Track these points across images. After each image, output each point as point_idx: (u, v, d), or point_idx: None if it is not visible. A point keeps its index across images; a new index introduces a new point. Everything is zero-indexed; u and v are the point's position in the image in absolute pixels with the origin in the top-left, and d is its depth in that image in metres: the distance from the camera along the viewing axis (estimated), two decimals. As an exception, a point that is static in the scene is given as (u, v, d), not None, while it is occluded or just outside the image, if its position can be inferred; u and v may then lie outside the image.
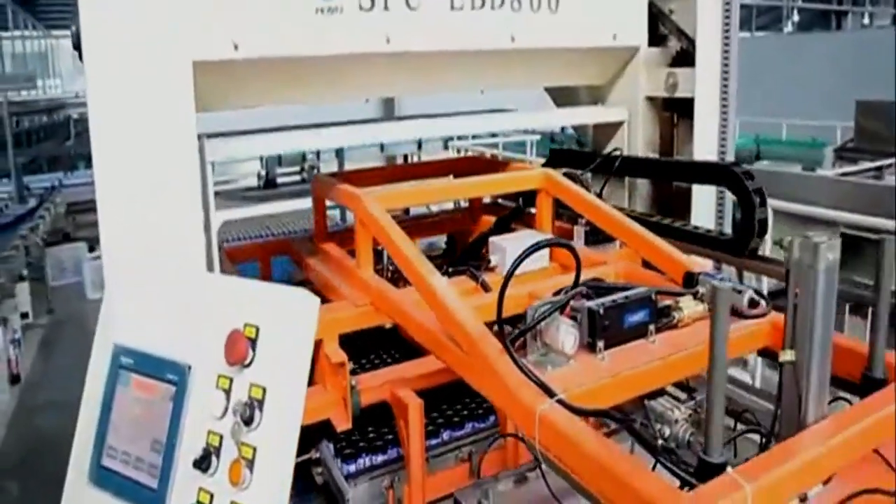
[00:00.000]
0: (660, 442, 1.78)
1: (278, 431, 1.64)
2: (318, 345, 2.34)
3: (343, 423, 2.18)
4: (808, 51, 19.12)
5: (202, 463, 1.65)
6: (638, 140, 3.54)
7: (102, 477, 1.85)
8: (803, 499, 1.59)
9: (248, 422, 1.63)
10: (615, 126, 3.61)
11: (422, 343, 2.33)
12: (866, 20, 31.03)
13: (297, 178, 18.66)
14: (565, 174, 3.22)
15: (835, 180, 6.26)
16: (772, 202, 5.64)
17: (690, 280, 2.26)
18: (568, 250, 2.21)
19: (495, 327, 1.95)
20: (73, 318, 10.12)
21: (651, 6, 3.51)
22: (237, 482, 1.62)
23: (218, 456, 1.67)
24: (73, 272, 11.33)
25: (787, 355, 1.68)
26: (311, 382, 2.32)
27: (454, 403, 2.75)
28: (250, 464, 1.62)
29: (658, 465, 1.64)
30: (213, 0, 2.49)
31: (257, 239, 4.59)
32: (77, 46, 2.34)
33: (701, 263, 2.49)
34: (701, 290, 2.16)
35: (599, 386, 1.81)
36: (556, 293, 2.06)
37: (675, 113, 3.51)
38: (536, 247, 2.10)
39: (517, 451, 2.54)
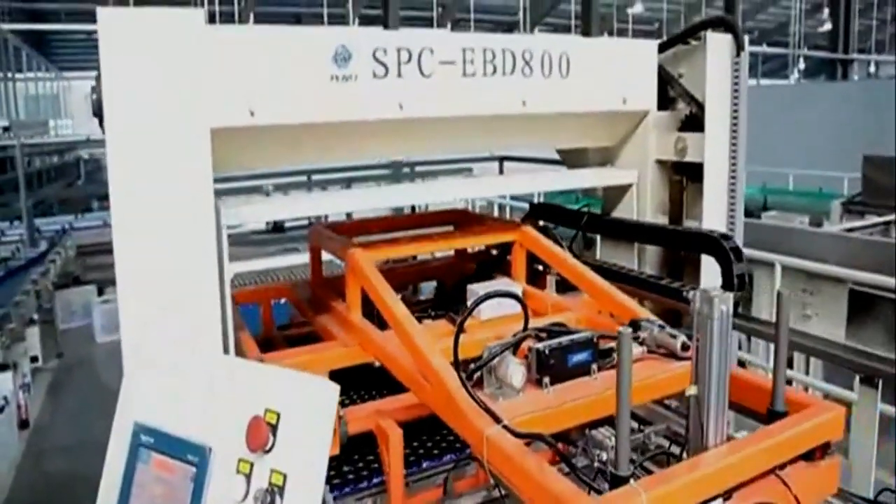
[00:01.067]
0: (596, 464, 2.14)
1: (299, 519, 1.64)
2: None
3: (331, 450, 2.29)
4: (814, 100, 19.22)
5: (223, 550, 1.66)
6: (647, 202, 3.57)
7: (121, 556, 1.85)
8: None
9: (268, 509, 1.63)
10: (625, 188, 3.64)
11: (399, 378, 2.63)
12: (872, 68, 31.23)
13: (305, 222, 18.75)
14: (539, 228, 3.57)
15: (844, 237, 6.27)
16: (780, 258, 5.72)
17: (635, 326, 2.52)
18: (515, 300, 2.54)
19: (471, 364, 2.25)
20: (82, 361, 10.16)
21: (660, 70, 3.55)
22: (259, 569, 1.62)
23: None
24: (83, 315, 11.40)
25: (691, 390, 1.98)
26: None
27: (434, 436, 2.99)
28: (271, 550, 1.62)
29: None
30: (230, 68, 2.53)
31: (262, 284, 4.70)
32: (97, 113, 2.38)
33: (646, 312, 2.70)
34: (642, 334, 2.46)
35: (542, 415, 2.09)
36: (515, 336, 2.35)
37: (684, 176, 3.52)
38: (485, 297, 2.52)
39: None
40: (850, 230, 7.31)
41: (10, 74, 19.25)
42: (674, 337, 2.39)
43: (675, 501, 1.79)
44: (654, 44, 3.58)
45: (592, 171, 3.85)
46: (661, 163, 3.58)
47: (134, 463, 1.87)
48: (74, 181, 25.67)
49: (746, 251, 3.48)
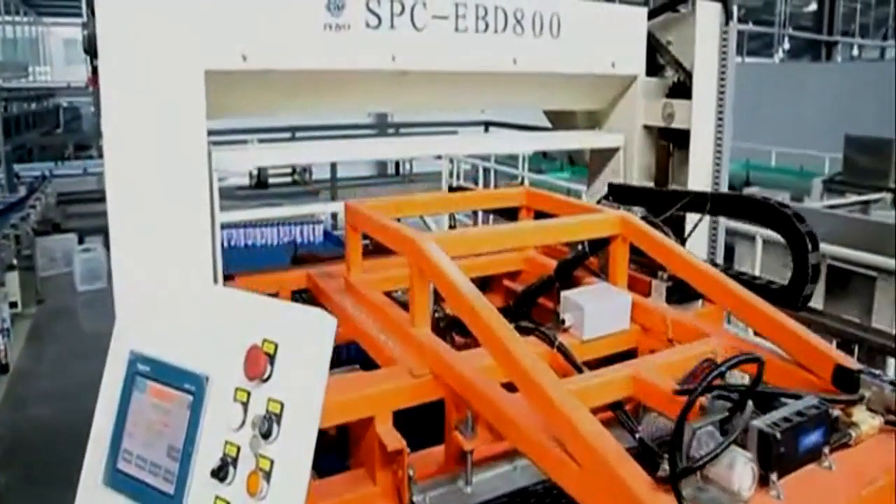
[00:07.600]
0: None
1: (295, 445, 1.66)
2: (368, 423, 2.11)
3: None
4: (798, 80, 19.32)
5: (219, 472, 1.68)
6: (633, 167, 3.61)
7: (117, 480, 1.87)
8: None
9: (266, 435, 1.66)
10: (612, 151, 3.68)
11: (506, 437, 1.97)
12: (855, 51, 31.34)
13: (289, 179, 18.71)
14: (643, 218, 2.86)
15: (825, 213, 6.35)
16: (762, 231, 5.75)
17: (844, 378, 1.88)
18: (756, 364, 1.70)
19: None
20: (63, 309, 10.13)
21: (649, 37, 3.57)
22: (255, 493, 1.65)
23: (235, 466, 1.70)
24: (64, 263, 11.32)
25: None
26: (352, 464, 2.27)
27: None
28: (267, 476, 1.65)
29: None
30: (223, 12, 2.53)
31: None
32: (87, 50, 2.38)
33: (846, 356, 2.01)
34: (866, 394, 1.82)
35: None
36: (704, 387, 1.59)
37: (671, 143, 3.57)
38: (718, 371, 1.62)
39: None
40: (831, 207, 7.41)
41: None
42: None
43: None
44: (643, 10, 3.60)
45: (580, 133, 3.89)
46: (648, 128, 3.61)
47: (130, 391, 1.89)
48: (53, 129, 25.40)
49: (728, 223, 3.52)
